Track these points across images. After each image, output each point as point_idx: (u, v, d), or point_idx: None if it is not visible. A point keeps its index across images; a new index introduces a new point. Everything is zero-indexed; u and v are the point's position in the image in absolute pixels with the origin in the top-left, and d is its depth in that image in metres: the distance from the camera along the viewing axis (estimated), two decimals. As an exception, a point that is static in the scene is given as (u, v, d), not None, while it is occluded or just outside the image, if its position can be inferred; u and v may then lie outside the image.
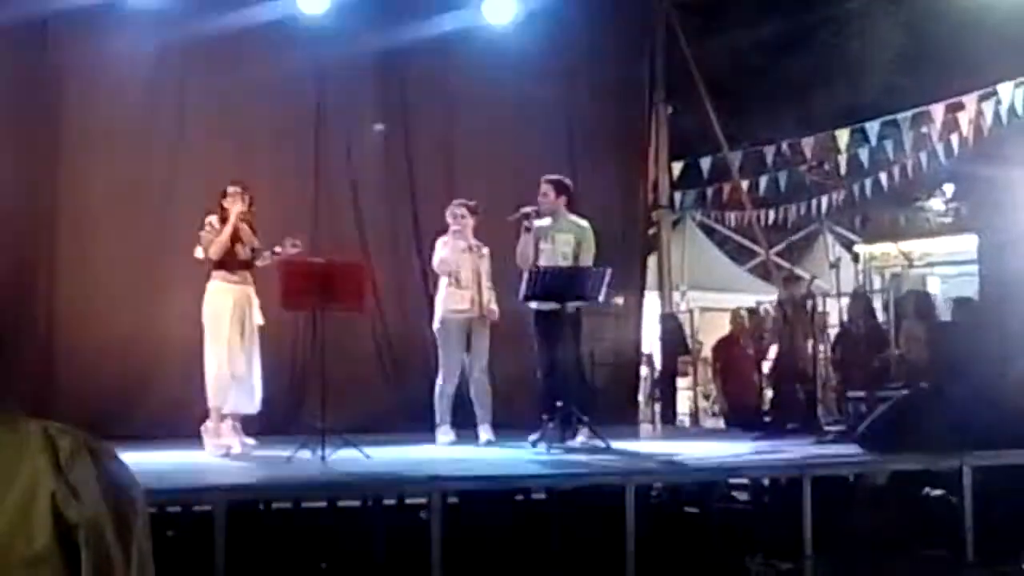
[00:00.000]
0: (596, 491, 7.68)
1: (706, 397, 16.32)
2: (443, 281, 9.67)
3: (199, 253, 8.70)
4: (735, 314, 14.16)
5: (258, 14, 10.80)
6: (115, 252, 10.50)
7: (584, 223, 9.61)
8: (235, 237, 8.72)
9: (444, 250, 9.62)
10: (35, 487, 1.52)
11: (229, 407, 8.67)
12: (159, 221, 10.52)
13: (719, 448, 9.55)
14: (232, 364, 8.57)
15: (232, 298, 8.65)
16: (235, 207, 8.71)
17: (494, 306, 9.65)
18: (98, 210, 10.56)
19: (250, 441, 8.77)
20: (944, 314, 11.73)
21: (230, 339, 8.58)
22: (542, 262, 9.34)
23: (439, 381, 9.61)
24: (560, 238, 9.48)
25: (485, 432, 9.56)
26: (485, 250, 9.75)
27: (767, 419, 11.40)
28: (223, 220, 8.73)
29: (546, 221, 9.49)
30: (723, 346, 14.33)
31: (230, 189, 8.76)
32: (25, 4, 10.09)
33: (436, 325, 9.70)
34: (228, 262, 8.68)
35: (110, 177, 10.55)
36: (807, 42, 21.89)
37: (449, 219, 9.71)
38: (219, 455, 8.44)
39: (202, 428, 8.70)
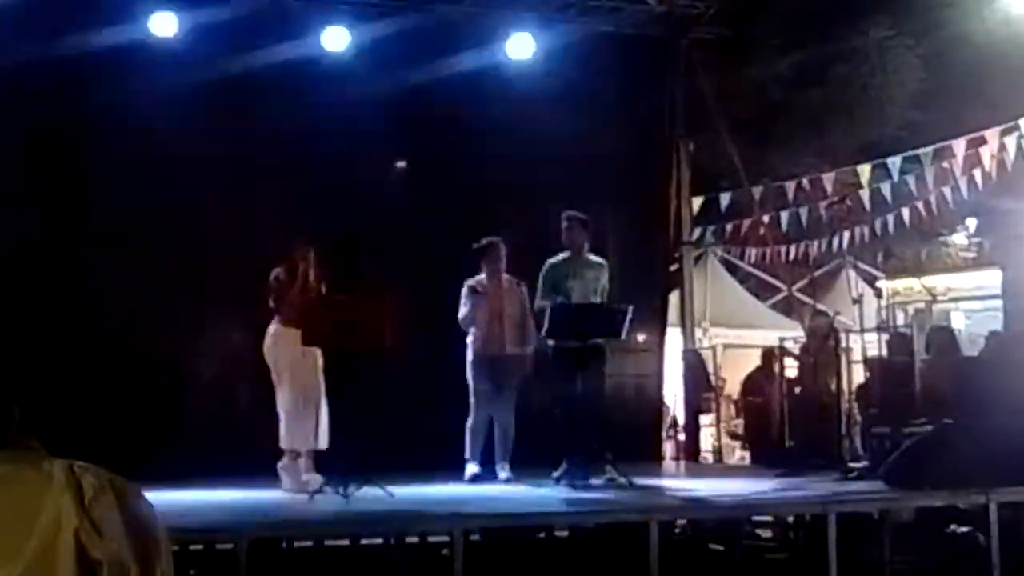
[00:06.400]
0: (619, 528, 7.65)
1: (731, 436, 16.26)
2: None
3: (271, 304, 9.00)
4: (768, 351, 14.06)
5: (282, 52, 10.89)
6: (144, 289, 10.55)
7: (603, 260, 9.67)
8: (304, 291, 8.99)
9: (463, 305, 9.72)
10: (59, 525, 1.52)
11: (301, 444, 8.84)
12: (187, 255, 10.60)
13: (743, 485, 9.50)
14: (303, 403, 8.79)
15: (296, 342, 8.78)
16: (303, 266, 8.99)
17: (527, 348, 9.68)
18: (125, 244, 10.62)
19: (318, 477, 8.82)
20: (967, 349, 11.66)
21: (298, 380, 8.82)
22: (573, 299, 9.38)
23: (470, 417, 9.68)
24: (589, 274, 9.53)
25: (501, 471, 9.53)
26: (521, 287, 9.80)
27: (790, 456, 11.32)
28: (289, 272, 8.96)
29: (565, 256, 9.55)
30: (750, 382, 14.29)
31: (300, 248, 9.06)
32: (50, 45, 10.19)
33: (467, 364, 9.78)
34: (289, 312, 8.91)
35: (138, 213, 10.65)
36: (827, 77, 21.92)
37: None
38: (295, 491, 8.58)
39: (279, 466, 8.87)
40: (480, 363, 9.69)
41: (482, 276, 9.85)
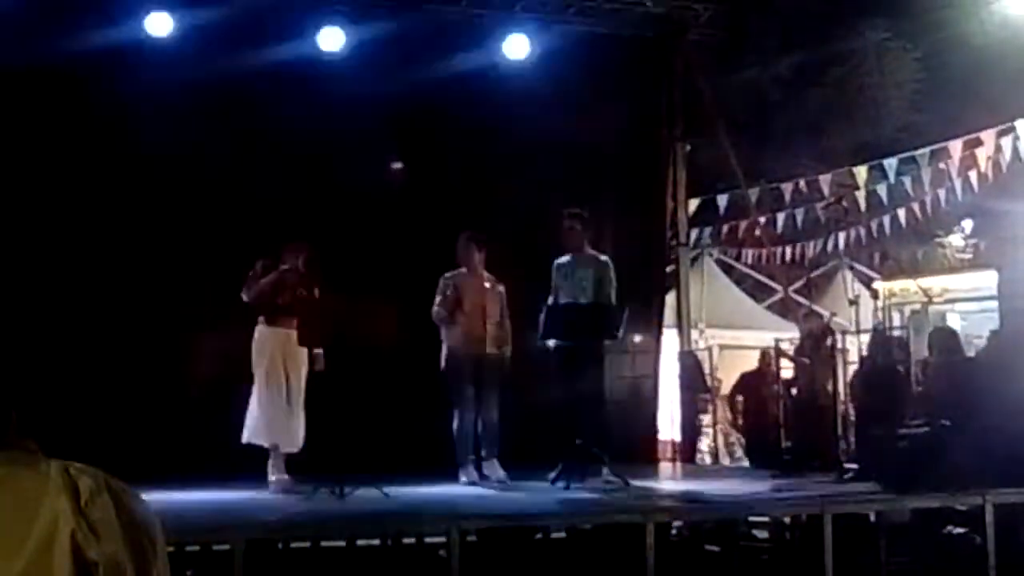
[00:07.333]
0: (616, 530, 7.65)
1: (728, 437, 16.27)
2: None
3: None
4: (765, 352, 14.07)
5: (278, 53, 10.89)
6: (141, 289, 10.55)
7: (604, 257, 9.60)
8: (278, 288, 9.00)
9: (438, 299, 9.55)
10: (55, 526, 1.52)
11: (273, 444, 8.93)
12: (184, 255, 10.60)
13: (739, 486, 9.50)
14: (278, 403, 8.90)
15: (274, 342, 8.98)
16: (290, 263, 9.02)
17: (505, 349, 9.58)
18: (122, 243, 10.63)
19: (285, 477, 8.92)
20: (968, 350, 11.65)
21: (273, 380, 8.91)
22: (561, 299, 9.34)
23: (455, 420, 9.48)
24: (578, 273, 9.45)
25: (491, 468, 9.42)
26: (500, 287, 9.69)
27: (787, 457, 11.34)
28: (266, 265, 9.06)
29: (565, 258, 9.50)
30: (745, 382, 14.29)
31: (291, 246, 9.10)
32: (52, 44, 10.20)
33: (442, 363, 9.58)
34: (269, 309, 9.03)
35: (136, 213, 10.67)
36: (825, 79, 21.96)
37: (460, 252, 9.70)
38: (279, 490, 8.70)
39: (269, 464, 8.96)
40: (459, 363, 9.45)
41: (461, 270, 9.71)
